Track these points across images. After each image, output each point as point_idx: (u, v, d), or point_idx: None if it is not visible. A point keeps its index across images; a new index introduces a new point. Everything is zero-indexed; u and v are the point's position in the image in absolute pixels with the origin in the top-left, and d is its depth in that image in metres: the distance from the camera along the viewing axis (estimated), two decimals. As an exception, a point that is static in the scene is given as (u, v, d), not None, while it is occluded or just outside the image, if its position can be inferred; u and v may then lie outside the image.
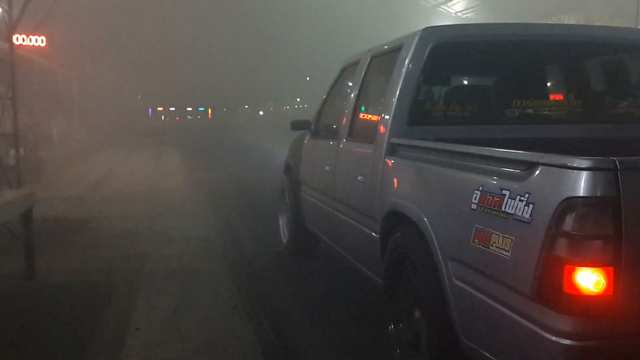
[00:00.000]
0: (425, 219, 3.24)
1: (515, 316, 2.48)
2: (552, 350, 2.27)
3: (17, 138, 8.92)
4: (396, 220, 3.67)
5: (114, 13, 37.24)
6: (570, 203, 2.22)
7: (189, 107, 78.78)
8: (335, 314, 4.90)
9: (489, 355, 2.76)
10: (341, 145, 4.96)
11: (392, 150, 3.94)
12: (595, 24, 36.94)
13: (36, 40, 20.88)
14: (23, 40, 17.09)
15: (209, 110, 79.20)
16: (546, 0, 33.97)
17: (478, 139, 3.60)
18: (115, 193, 11.52)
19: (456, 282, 2.95)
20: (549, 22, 37.42)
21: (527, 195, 2.43)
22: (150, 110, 70.29)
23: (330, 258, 5.95)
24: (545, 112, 4.30)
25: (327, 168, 5.22)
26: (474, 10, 42.97)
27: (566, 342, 2.24)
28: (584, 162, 2.22)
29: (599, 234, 2.21)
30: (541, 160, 2.42)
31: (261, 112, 80.00)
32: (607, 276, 2.20)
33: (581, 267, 2.21)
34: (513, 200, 2.50)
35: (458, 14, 44.08)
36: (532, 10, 35.59)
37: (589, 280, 2.21)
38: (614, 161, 2.20)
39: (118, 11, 37.51)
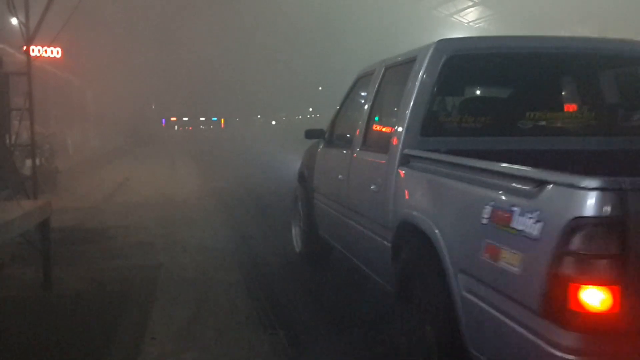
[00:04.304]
0: (437, 231, 3.27)
1: (522, 330, 2.51)
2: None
3: (34, 148, 9.02)
4: (408, 231, 3.69)
5: (129, 24, 37.58)
6: (578, 222, 2.23)
7: (202, 117, 79.20)
8: (350, 323, 4.89)
9: None
10: (355, 155, 5.00)
11: (405, 161, 3.97)
12: (610, 35, 36.79)
13: (52, 52, 21.09)
14: (39, 51, 17.29)
15: (222, 120, 79.56)
16: (560, 10, 33.86)
17: (491, 151, 3.67)
18: (131, 203, 11.59)
19: (465, 294, 2.98)
20: (562, 33, 37.41)
21: (536, 213, 2.44)
22: (163, 120, 70.67)
23: (343, 267, 5.94)
24: (559, 124, 4.33)
25: (340, 177, 5.27)
26: (486, 20, 42.90)
27: (571, 357, 2.26)
28: (592, 182, 2.22)
29: (606, 254, 2.23)
30: (550, 179, 2.45)
31: (274, 122, 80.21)
32: (613, 294, 2.22)
33: (587, 285, 2.23)
34: (522, 217, 2.52)
35: (470, 23, 44.02)
36: (545, 21, 35.54)
37: (595, 298, 2.23)
38: (623, 182, 2.21)
39: (132, 22, 37.84)
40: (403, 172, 3.95)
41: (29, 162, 10.26)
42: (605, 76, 4.67)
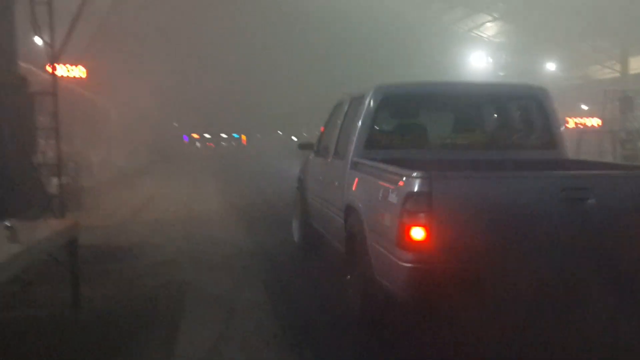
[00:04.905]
0: (361, 206, 5.37)
1: (390, 256, 4.48)
2: (402, 270, 4.32)
3: (60, 167, 9.11)
4: (350, 210, 5.66)
5: (152, 42, 38.03)
6: (409, 194, 4.27)
7: (223, 133, 79.61)
8: (377, 344, 4.88)
9: (385, 283, 4.71)
10: (329, 160, 6.99)
11: (354, 165, 5.94)
12: (630, 47, 36.45)
13: (76, 70, 21.41)
14: (64, 70, 17.54)
15: (243, 136, 79.90)
16: (579, 22, 33.61)
17: (410, 159, 5.49)
18: (155, 220, 11.65)
19: (372, 243, 4.96)
20: (583, 45, 37.08)
21: (396, 191, 4.47)
22: (185, 137, 71.22)
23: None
24: (458, 142, 6.45)
25: (320, 177, 7.38)
26: (506, 35, 42.68)
27: (408, 265, 4.29)
28: (416, 174, 4.27)
29: (421, 210, 4.20)
30: (403, 173, 4.47)
31: (294, 138, 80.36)
32: (425, 231, 4.20)
33: (413, 226, 4.22)
34: (392, 194, 4.53)
35: (490, 38, 43.82)
36: (565, 33, 35.29)
37: (417, 233, 4.22)
38: (430, 173, 4.23)
39: (155, 40, 38.29)
40: (351, 172, 5.92)
41: (55, 181, 10.33)
42: (493, 108, 6.86)
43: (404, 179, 4.39)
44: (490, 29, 42.87)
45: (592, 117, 31.55)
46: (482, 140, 6.47)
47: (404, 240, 4.25)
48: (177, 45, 42.17)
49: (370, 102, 6.12)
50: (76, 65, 20.35)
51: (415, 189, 4.21)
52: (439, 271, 4.19)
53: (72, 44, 9.36)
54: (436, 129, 6.55)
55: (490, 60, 42.59)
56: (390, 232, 4.43)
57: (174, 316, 5.56)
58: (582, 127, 30.03)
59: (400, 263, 4.30)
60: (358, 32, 37.71)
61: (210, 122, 69.01)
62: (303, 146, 8.50)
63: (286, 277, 7.17)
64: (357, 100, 6.50)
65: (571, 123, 31.34)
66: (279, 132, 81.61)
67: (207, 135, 77.90)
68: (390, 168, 4.84)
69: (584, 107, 37.27)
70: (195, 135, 75.61)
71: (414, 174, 4.26)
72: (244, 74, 50.77)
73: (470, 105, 6.74)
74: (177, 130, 66.75)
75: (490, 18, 40.86)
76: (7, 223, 4.56)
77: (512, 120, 6.74)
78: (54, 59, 8.70)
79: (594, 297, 4.21)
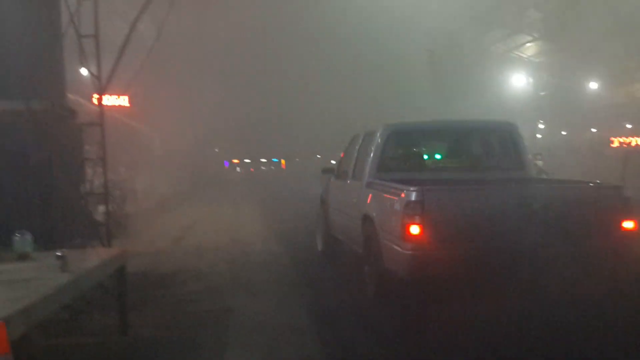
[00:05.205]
0: (374, 215, 7.09)
1: (397, 247, 6.14)
2: (405, 256, 5.99)
3: (107, 196, 9.30)
4: (367, 218, 7.35)
5: (194, 70, 38.81)
6: (409, 203, 5.99)
7: (263, 158, 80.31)
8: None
9: (392, 268, 6.35)
10: (348, 181, 8.86)
11: (369, 185, 7.77)
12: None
13: (120, 100, 21.95)
14: (109, 100, 17.98)
15: (282, 160, 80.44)
16: (620, 41, 33.02)
17: (411, 179, 6.98)
18: (199, 246, 11.77)
19: (382, 240, 6.64)
20: (626, 63, 36.37)
21: (400, 201, 6.17)
22: (226, 162, 72.06)
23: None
24: (447, 165, 8.51)
25: (341, 195, 9.25)
26: (546, 54, 42.20)
27: (408, 252, 5.97)
28: (412, 188, 6.05)
29: (417, 214, 5.91)
30: (405, 188, 6.18)
31: (333, 162, 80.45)
32: (420, 229, 5.88)
33: (411, 225, 5.91)
34: (397, 203, 6.25)
35: (530, 58, 43.37)
36: (607, 52, 34.70)
37: (414, 230, 5.90)
38: (422, 188, 6.04)
39: (197, 68, 39.07)
40: (366, 190, 7.71)
41: (101, 208, 10.54)
42: (474, 139, 8.68)
43: (404, 192, 6.21)
44: (530, 49, 42.47)
45: (636, 136, 30.85)
46: (467, 163, 8.35)
47: (405, 235, 5.99)
48: (219, 73, 42.88)
49: (380, 137, 8.05)
50: (120, 96, 20.87)
51: (412, 199, 6.03)
52: (430, 256, 5.95)
53: (117, 74, 9.59)
54: (432, 156, 8.72)
55: (531, 80, 42.15)
56: (395, 230, 6.16)
57: (220, 343, 5.60)
58: (625, 146, 29.36)
59: (403, 251, 6.05)
60: (398, 55, 37.76)
61: (251, 148, 69.74)
62: (325, 171, 10.46)
63: (331, 301, 7.15)
64: (370, 135, 8.43)
65: (615, 142, 30.70)
66: (317, 156, 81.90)
67: (247, 160, 78.67)
68: (395, 185, 6.70)
69: (629, 125, 36.51)
70: (235, 161, 76.46)
71: (411, 189, 6.12)
72: (284, 100, 51.29)
73: (457, 138, 8.66)
74: (218, 155, 67.60)
75: (530, 38, 40.53)
76: (58, 253, 4.66)
77: (490, 148, 8.54)
78: (101, 91, 8.92)
79: (539, 270, 5.97)
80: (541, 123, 45.99)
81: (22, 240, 5.34)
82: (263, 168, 79.24)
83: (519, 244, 5.97)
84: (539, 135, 43.72)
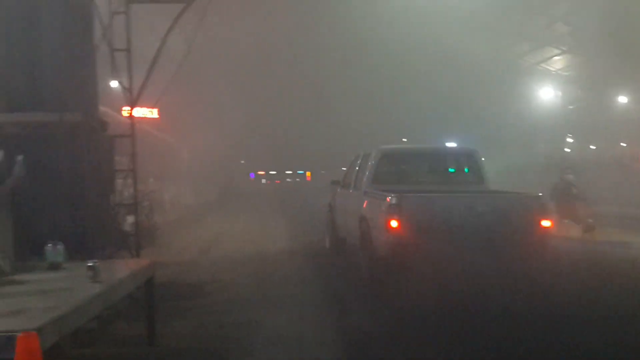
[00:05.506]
0: (368, 217, 9.08)
1: (382, 237, 8.35)
2: (388, 243, 8.22)
3: (137, 207, 9.42)
4: (363, 218, 9.31)
5: (222, 83, 39.20)
6: (390, 205, 8.23)
7: (289, 170, 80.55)
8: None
9: (380, 253, 8.44)
10: (350, 191, 11.04)
11: (365, 193, 9.82)
12: None
13: (150, 112, 22.25)
14: (140, 113, 18.19)
15: (308, 173, 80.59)
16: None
17: (396, 189, 8.79)
18: (225, 257, 11.86)
19: (373, 233, 8.71)
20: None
21: (384, 204, 8.38)
22: (252, 174, 72.41)
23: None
24: (426, 179, 10.60)
25: (345, 202, 11.41)
26: (574, 68, 41.74)
27: (390, 240, 8.18)
28: (394, 194, 8.30)
29: (396, 212, 8.14)
30: (389, 195, 8.37)
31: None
32: (398, 224, 8.11)
33: (392, 221, 8.12)
34: (381, 206, 8.50)
35: (558, 72, 42.93)
36: (635, 65, 34.15)
37: (394, 224, 8.13)
38: (401, 194, 8.32)
39: (225, 82, 39.45)
40: (364, 197, 9.76)
41: (129, 219, 10.67)
42: (446, 160, 11.25)
43: (388, 198, 8.34)
44: (558, 62, 42.03)
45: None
46: (441, 179, 10.68)
47: (387, 227, 8.17)
48: (246, 87, 43.22)
49: (374, 157, 10.40)
50: (152, 109, 21.13)
51: (394, 202, 8.22)
52: (405, 243, 8.01)
53: (146, 87, 9.73)
54: (414, 172, 10.93)
55: (559, 93, 41.73)
56: (381, 225, 8.34)
57: (246, 356, 5.63)
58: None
59: (386, 240, 8.24)
60: (425, 67, 37.70)
61: (277, 160, 70.02)
62: (333, 182, 12.85)
63: (357, 315, 7.14)
64: (367, 155, 10.79)
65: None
66: (343, 168, 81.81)
67: (272, 172, 78.96)
68: (383, 193, 8.83)
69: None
70: (261, 172, 76.77)
71: (393, 196, 8.31)
72: (310, 113, 51.47)
73: (433, 159, 11.26)
74: (244, 167, 67.97)
75: (558, 51, 40.13)
76: (90, 263, 4.74)
77: (458, 167, 11.06)
78: (133, 103, 9.05)
79: (481, 255, 7.89)
80: (570, 137, 45.41)
81: (54, 250, 5.44)
82: (288, 180, 79.42)
83: (468, 236, 8.06)
84: (567, 150, 43.17)
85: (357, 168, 11.02)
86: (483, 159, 10.87)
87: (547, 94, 41.83)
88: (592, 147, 43.53)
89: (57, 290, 4.41)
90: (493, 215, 8.27)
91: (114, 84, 15.75)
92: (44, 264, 5.43)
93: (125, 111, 21.16)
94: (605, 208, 17.53)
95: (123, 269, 5.56)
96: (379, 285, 8.54)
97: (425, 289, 7.59)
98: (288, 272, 10.22)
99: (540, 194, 9.07)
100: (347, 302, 8.21)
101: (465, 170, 10.84)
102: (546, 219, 8.45)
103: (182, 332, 6.40)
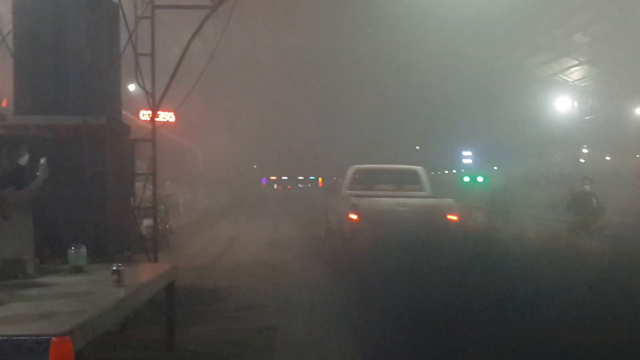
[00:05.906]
0: (341, 212, 13.47)
1: (346, 225, 12.63)
2: (349, 229, 12.34)
3: (156, 211, 9.44)
4: (338, 213, 13.73)
5: (237, 90, 39.41)
6: (351, 204, 12.52)
7: (300, 175, 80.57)
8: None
9: (345, 236, 12.66)
10: (335, 194, 15.23)
11: (342, 196, 13.96)
12: None
13: (167, 117, 22.34)
14: (160, 117, 18.26)
15: (320, 178, 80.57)
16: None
17: (365, 194, 13.63)
18: (240, 262, 11.89)
19: (342, 223, 13.00)
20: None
21: (349, 203, 12.66)
22: (264, 179, 72.45)
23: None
24: (387, 187, 14.81)
25: (332, 202, 15.54)
26: (592, 79, 41.46)
27: (351, 227, 12.26)
28: (354, 197, 12.97)
29: (355, 209, 12.34)
30: (352, 197, 12.99)
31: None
32: (357, 216, 12.23)
33: (352, 214, 12.33)
34: (348, 204, 12.72)
35: (575, 82, 42.65)
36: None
37: (353, 217, 12.28)
38: (358, 197, 13.01)
39: (240, 88, 39.65)
40: (341, 198, 13.94)
41: (146, 222, 10.71)
42: (401, 175, 15.63)
43: (352, 199, 12.49)
44: (575, 72, 41.76)
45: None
46: (394, 187, 14.68)
47: (349, 218, 12.09)
48: (262, 92, 43.32)
49: (349, 171, 14.66)
50: (168, 113, 21.22)
51: (353, 202, 12.34)
52: (360, 229, 11.43)
53: (160, 89, 9.76)
54: (376, 183, 14.83)
55: (576, 104, 41.48)
56: (346, 216, 12.27)
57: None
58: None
59: (349, 227, 12.11)
60: (443, 77, 37.60)
61: (289, 165, 70.06)
62: (326, 188, 17.21)
63: (375, 318, 7.12)
64: (344, 170, 15.00)
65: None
66: (318, 178, 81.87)
67: (284, 178, 79.00)
68: (350, 196, 13.00)
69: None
70: (273, 178, 76.80)
71: (353, 198, 12.69)
72: (325, 120, 51.49)
73: (391, 174, 15.55)
74: (257, 172, 68.07)
75: (575, 62, 39.87)
76: (114, 267, 4.76)
77: (407, 179, 15.10)
78: (156, 108, 9.09)
79: (413, 238, 9.25)
80: (585, 147, 45.09)
81: (77, 253, 5.47)
82: (300, 185, 79.43)
83: (401, 224, 11.01)
84: (582, 160, 42.85)
85: (340, 178, 15.58)
86: (426, 175, 15.11)
87: (564, 105, 41.57)
88: (607, 158, 43.20)
89: (82, 294, 4.43)
90: (418, 211, 12.15)
91: (131, 87, 15.91)
92: (66, 266, 5.46)
93: (144, 115, 21.24)
94: (623, 219, 17.37)
95: (146, 273, 5.59)
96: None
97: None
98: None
99: (450, 200, 12.85)
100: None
101: (412, 182, 14.82)
102: (451, 214, 12.33)
103: (200, 338, 6.43)
